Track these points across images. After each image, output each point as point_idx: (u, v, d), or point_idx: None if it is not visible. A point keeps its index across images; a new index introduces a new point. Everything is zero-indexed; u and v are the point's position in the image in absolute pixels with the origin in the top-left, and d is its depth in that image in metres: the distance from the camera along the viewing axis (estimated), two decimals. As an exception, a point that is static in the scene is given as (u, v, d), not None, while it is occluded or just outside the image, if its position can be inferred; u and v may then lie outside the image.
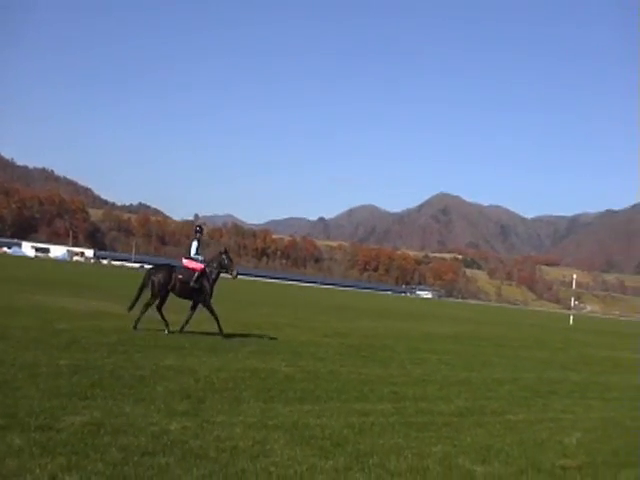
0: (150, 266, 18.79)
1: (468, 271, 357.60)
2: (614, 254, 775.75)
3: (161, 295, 16.04)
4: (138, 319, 15.84)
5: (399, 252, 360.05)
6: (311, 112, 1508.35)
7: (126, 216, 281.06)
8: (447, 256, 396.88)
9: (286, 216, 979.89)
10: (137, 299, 16.09)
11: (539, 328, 52.87)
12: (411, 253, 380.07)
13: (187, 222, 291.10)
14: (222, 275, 16.87)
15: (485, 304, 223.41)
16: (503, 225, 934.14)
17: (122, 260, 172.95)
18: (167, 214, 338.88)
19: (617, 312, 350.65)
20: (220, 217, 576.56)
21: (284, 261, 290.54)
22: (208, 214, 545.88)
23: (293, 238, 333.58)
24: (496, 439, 8.26)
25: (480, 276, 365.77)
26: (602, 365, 21.27)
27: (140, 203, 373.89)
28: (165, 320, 15.92)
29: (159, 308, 16.12)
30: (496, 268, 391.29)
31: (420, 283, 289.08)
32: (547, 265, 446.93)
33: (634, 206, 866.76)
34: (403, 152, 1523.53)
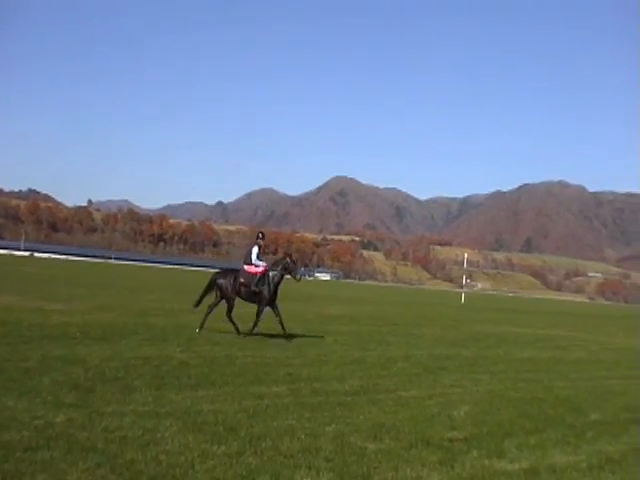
0: (216, 270, 18.63)
1: (365, 252, 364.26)
2: (503, 233, 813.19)
3: (227, 299, 16.17)
4: (203, 321, 16.07)
5: (298, 235, 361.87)
6: (208, 95, 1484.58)
7: (14, 202, 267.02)
8: (345, 238, 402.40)
9: (183, 200, 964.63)
10: (202, 299, 16.55)
11: (432, 307, 54.68)
12: (310, 236, 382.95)
13: (80, 208, 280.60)
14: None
15: (382, 284, 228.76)
16: (398, 207, 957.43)
17: (10, 248, 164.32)
18: (59, 200, 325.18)
19: (505, 289, 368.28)
20: (115, 202, 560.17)
21: (182, 246, 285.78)
22: (102, 199, 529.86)
23: (191, 223, 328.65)
24: (388, 416, 8.45)
25: (377, 257, 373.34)
26: (490, 340, 22.19)
27: (29, 189, 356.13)
28: (235, 324, 16.05)
29: (229, 313, 16.25)
30: (392, 249, 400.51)
31: (319, 265, 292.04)
32: (440, 245, 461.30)
33: (521, 187, 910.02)
34: (301, 136, 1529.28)
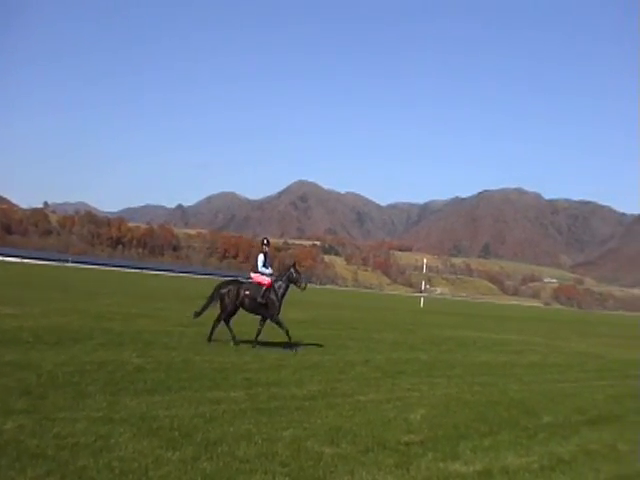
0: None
1: (326, 257, 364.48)
2: (461, 239, 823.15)
3: (229, 310, 16.08)
4: (211, 333, 15.93)
5: (259, 239, 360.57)
6: (168, 99, 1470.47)
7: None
8: (306, 243, 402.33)
9: (143, 204, 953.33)
10: (205, 309, 16.38)
11: (392, 311, 55.01)
12: (271, 240, 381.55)
13: (36, 210, 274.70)
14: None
15: (342, 289, 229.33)
16: (359, 212, 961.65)
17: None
18: (14, 202, 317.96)
19: (464, 294, 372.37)
20: (72, 205, 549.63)
21: (140, 250, 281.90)
22: (59, 201, 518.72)
23: (150, 226, 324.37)
24: (345, 420, 8.47)
25: (338, 262, 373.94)
26: (447, 344, 22.42)
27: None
28: (232, 331, 16.03)
29: (226, 321, 16.22)
30: (353, 254, 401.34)
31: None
32: (400, 250, 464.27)
33: (479, 194, 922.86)
34: (262, 140, 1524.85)
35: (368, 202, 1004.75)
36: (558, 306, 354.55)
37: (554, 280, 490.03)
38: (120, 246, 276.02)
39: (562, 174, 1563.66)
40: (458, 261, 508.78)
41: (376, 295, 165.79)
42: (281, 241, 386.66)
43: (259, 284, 16.09)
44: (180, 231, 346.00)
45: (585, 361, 20.56)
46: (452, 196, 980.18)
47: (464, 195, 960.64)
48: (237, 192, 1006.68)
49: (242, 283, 16.35)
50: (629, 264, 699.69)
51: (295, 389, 10.40)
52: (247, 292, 15.95)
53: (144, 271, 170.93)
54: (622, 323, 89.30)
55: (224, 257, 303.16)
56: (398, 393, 11.00)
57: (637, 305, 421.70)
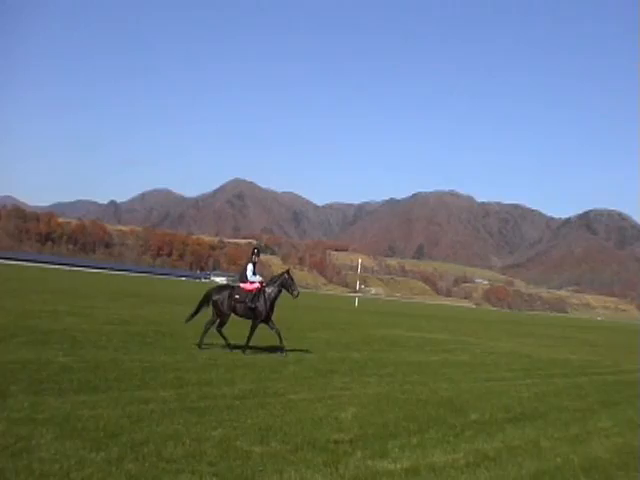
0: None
1: (262, 256, 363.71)
2: (396, 240, 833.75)
3: (221, 315, 15.99)
4: (201, 339, 15.72)
5: (194, 237, 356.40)
6: (105, 92, 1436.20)
7: None
8: (242, 241, 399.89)
9: (74, 199, 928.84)
10: (195, 314, 16.31)
11: (327, 311, 55.26)
12: (206, 238, 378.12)
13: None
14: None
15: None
16: (296, 211, 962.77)
17: None
18: None
19: (399, 294, 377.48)
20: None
21: (71, 246, 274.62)
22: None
23: (81, 222, 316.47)
24: (276, 419, 8.44)
25: (274, 261, 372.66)
26: (380, 344, 22.66)
27: None
28: (225, 338, 15.95)
29: (222, 326, 16.14)
30: (289, 253, 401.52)
31: (215, 268, 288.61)
32: (336, 250, 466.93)
33: (414, 195, 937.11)
34: (198, 137, 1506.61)
35: (305, 202, 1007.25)
36: (489, 307, 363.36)
37: (485, 281, 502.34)
38: (50, 242, 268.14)
39: (494, 178, 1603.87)
40: (393, 262, 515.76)
41: (312, 295, 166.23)
42: (216, 239, 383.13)
43: (249, 290, 15.99)
44: (113, 228, 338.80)
45: (513, 360, 21.09)
46: (387, 197, 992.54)
47: (399, 197, 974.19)
48: (172, 189, 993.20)
49: (233, 288, 16.29)
50: (556, 267, 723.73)
51: (226, 388, 10.31)
52: (237, 297, 15.88)
53: (74, 268, 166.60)
54: (549, 323, 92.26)
55: (158, 255, 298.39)
56: (330, 392, 11.04)
57: (563, 306, 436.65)
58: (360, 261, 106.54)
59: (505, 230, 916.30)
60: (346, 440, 7.70)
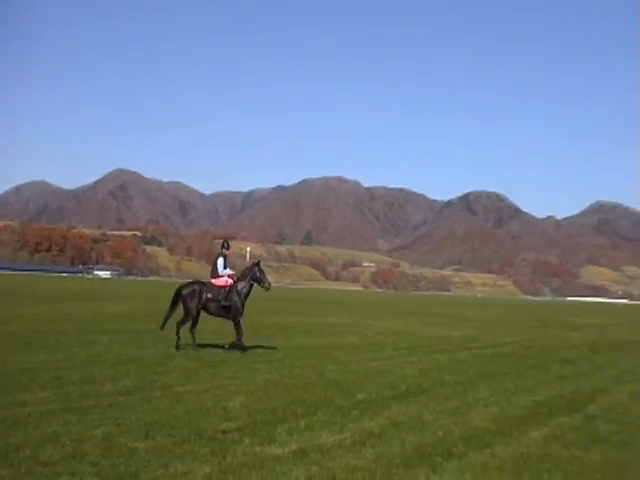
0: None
1: (148, 248, 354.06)
2: (285, 226, 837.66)
3: (193, 314, 15.29)
4: (177, 340, 15.04)
5: (75, 231, 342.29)
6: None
7: None
8: (126, 233, 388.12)
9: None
10: (168, 318, 15.46)
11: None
12: (88, 231, 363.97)
13: None
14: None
15: (165, 280, 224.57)
16: (182, 201, 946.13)
17: None
18: None
19: (289, 281, 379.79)
20: None
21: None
22: None
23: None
24: (162, 413, 8.29)
25: (160, 252, 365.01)
26: (270, 330, 22.70)
27: None
28: (178, 336, 15.09)
29: (186, 322, 15.30)
30: (176, 244, 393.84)
31: (98, 263, 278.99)
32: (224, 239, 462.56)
33: (302, 182, 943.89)
34: (76, 126, 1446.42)
35: (191, 191, 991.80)
36: (376, 289, 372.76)
37: (372, 264, 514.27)
38: None
39: (380, 163, 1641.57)
40: (282, 249, 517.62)
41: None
42: (99, 232, 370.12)
43: (221, 287, 15.46)
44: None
45: (398, 339, 21.76)
46: (275, 184, 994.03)
47: (287, 183, 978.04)
48: (49, 181, 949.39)
49: (204, 284, 15.63)
50: (439, 247, 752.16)
51: (110, 385, 10.01)
52: (209, 295, 15.30)
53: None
54: (433, 302, 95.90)
55: (36, 250, 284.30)
56: (217, 382, 10.96)
57: (446, 285, 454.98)
58: (249, 249, 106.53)
59: (391, 213, 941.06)
60: (234, 429, 7.68)
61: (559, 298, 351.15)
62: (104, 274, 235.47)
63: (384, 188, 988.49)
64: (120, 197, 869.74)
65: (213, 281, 15.78)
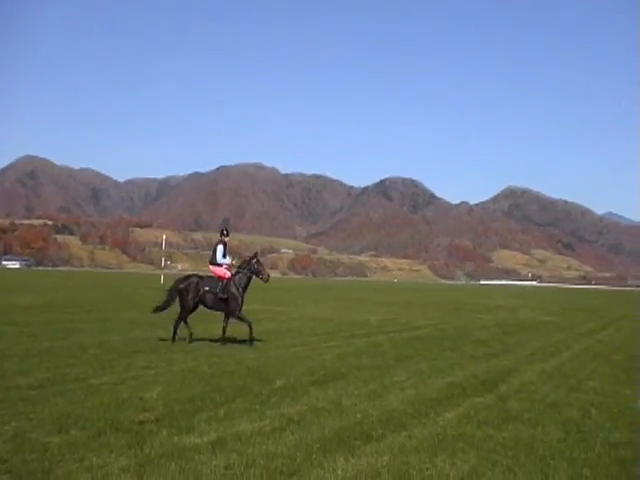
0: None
1: (59, 237, 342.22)
2: (202, 214, 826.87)
3: (189, 307, 15.22)
4: (174, 333, 15.21)
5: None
6: None
7: None
8: (36, 222, 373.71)
9: None
10: (163, 308, 15.50)
11: (131, 290, 53.60)
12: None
13: None
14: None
15: (78, 270, 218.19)
16: (95, 188, 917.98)
17: None
18: None
19: (205, 269, 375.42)
20: None
21: None
22: None
23: None
24: (76, 406, 8.09)
25: (72, 241, 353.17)
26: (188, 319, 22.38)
27: None
28: (175, 334, 15.26)
29: (184, 318, 15.33)
30: (89, 232, 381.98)
31: (6, 253, 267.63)
32: (139, 227, 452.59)
33: (218, 168, 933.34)
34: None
35: (105, 178, 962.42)
36: (294, 275, 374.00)
37: (290, 251, 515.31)
38: None
39: (297, 149, 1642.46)
40: (199, 236, 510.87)
41: (115, 274, 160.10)
42: (7, 221, 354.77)
43: (219, 278, 15.10)
44: None
45: (317, 325, 21.96)
46: (191, 171, 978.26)
47: (203, 170, 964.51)
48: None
49: (202, 278, 15.32)
50: (356, 233, 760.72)
51: (20, 379, 9.69)
52: (207, 288, 14.96)
53: None
54: (350, 287, 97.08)
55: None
56: (134, 373, 10.78)
57: (363, 270, 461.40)
58: (165, 237, 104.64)
59: (308, 200, 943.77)
60: (151, 419, 7.59)
61: (473, 282, 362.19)
62: (12, 264, 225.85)
63: (301, 175, 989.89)
64: (29, 185, 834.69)
65: (211, 268, 15.65)
